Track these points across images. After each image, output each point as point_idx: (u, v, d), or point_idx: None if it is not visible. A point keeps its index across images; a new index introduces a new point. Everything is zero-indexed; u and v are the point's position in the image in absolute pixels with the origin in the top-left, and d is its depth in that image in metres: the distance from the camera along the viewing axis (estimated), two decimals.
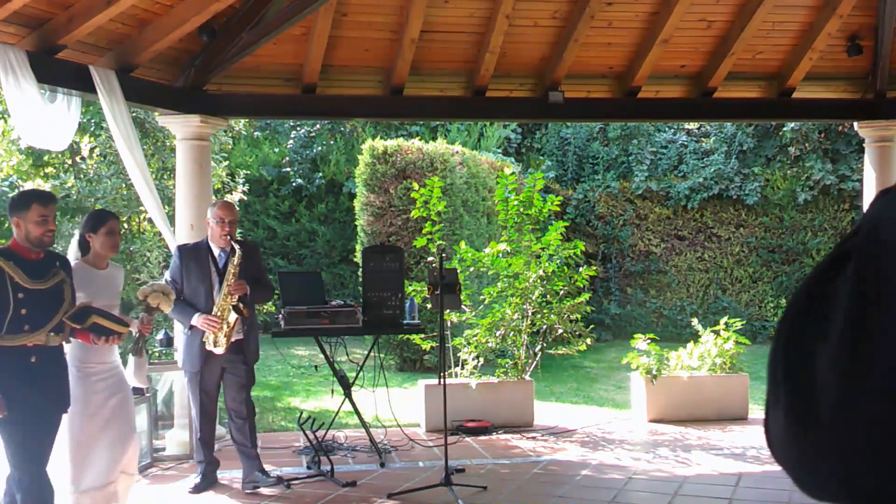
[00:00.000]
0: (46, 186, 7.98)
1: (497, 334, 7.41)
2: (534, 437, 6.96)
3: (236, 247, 5.27)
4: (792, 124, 13.07)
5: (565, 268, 7.54)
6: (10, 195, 5.06)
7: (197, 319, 5.26)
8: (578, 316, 7.55)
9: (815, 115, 9.38)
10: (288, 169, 14.25)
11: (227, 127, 8.12)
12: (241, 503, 5.29)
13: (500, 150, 14.15)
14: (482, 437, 6.91)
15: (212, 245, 5.46)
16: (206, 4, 5.77)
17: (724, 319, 7.66)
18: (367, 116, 9.98)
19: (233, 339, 5.32)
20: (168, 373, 6.54)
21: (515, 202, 7.50)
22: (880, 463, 0.73)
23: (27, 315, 3.84)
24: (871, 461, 0.73)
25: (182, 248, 5.58)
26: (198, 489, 5.45)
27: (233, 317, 5.23)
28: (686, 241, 13.47)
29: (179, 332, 6.55)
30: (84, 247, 4.48)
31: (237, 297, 5.24)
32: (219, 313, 5.24)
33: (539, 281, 7.31)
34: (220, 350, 5.27)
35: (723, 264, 13.34)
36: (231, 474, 5.86)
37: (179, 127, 6.76)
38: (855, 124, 8.15)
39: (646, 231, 13.54)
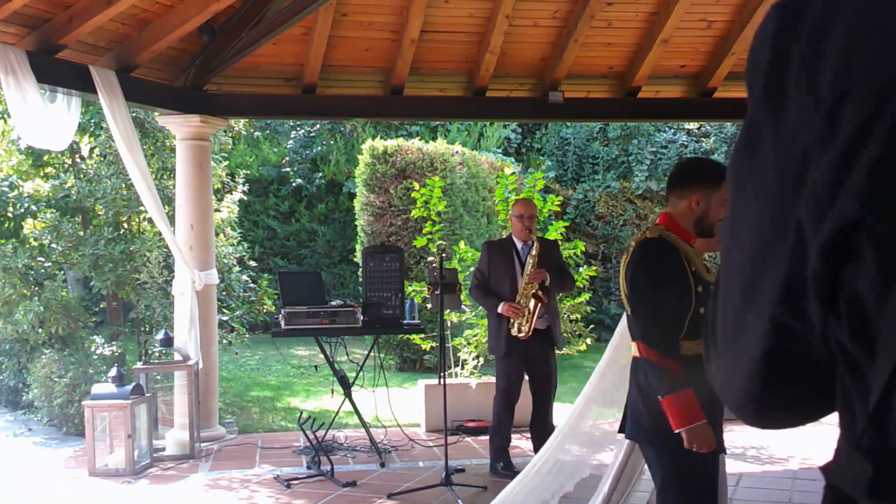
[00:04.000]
0: (46, 186, 7.98)
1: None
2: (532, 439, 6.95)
3: (534, 239, 5.65)
4: None
5: None
6: (690, 162, 4.16)
7: (502, 307, 5.63)
8: (578, 316, 7.55)
9: None
10: (288, 169, 14.25)
11: (227, 127, 8.11)
12: (241, 503, 5.29)
13: (500, 150, 14.14)
14: (482, 437, 6.90)
15: (515, 240, 5.80)
16: (206, 4, 5.77)
17: None
18: (367, 116, 9.97)
19: (537, 327, 5.61)
20: (168, 373, 6.55)
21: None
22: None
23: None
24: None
25: (489, 243, 6.06)
26: (494, 469, 5.80)
27: (532, 303, 5.55)
28: None
29: (179, 332, 6.56)
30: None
31: (536, 284, 5.53)
32: (521, 301, 5.59)
33: None
34: (522, 335, 5.60)
35: None
36: (231, 474, 5.86)
37: (179, 127, 6.75)
38: None
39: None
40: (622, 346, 4.14)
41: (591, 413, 4.55)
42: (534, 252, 5.62)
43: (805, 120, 0.65)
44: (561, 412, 8.11)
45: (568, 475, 4.74)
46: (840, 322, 0.68)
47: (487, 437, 6.92)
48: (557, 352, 6.17)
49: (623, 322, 3.96)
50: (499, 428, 5.88)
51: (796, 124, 0.65)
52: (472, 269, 7.58)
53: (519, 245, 5.80)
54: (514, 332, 5.63)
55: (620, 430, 3.40)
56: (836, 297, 0.68)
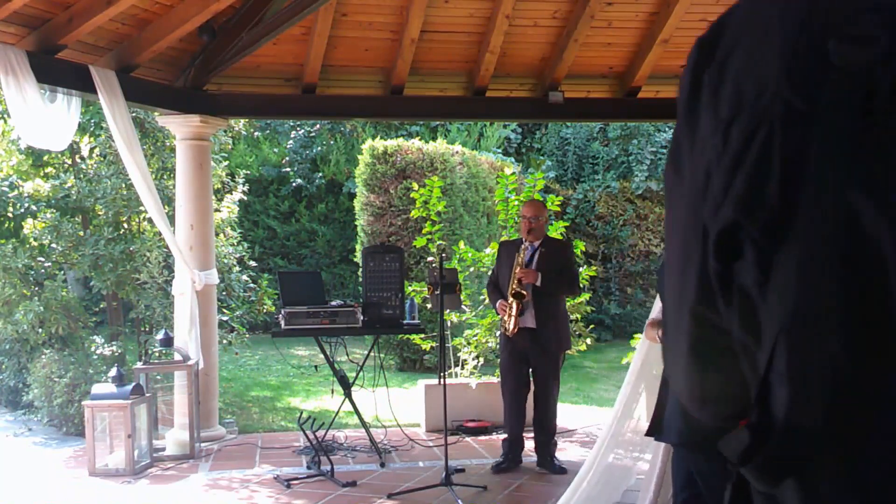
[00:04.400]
0: (46, 186, 7.98)
1: (497, 334, 7.40)
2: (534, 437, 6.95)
3: (530, 240, 5.74)
4: None
5: None
6: None
7: (496, 304, 5.87)
8: (578, 316, 7.54)
9: None
10: (288, 169, 14.25)
11: (227, 127, 8.11)
12: (241, 503, 5.28)
13: (500, 150, 14.14)
14: (482, 437, 6.90)
15: (525, 240, 5.88)
16: (206, 4, 5.77)
17: None
18: (367, 116, 9.97)
19: (528, 326, 5.71)
20: (168, 373, 6.55)
21: (515, 202, 7.49)
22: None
23: None
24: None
25: (501, 243, 6.25)
26: (498, 468, 5.87)
27: (515, 302, 5.67)
28: None
29: (179, 332, 6.56)
30: None
31: (518, 282, 5.64)
32: (508, 299, 5.73)
33: None
34: (509, 333, 5.74)
35: None
36: (231, 474, 5.86)
37: (179, 127, 6.75)
38: None
39: (646, 231, 13.54)
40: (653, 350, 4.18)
41: (631, 415, 4.58)
42: (520, 251, 5.73)
43: (708, 138, 0.75)
44: (561, 412, 8.10)
45: (616, 484, 4.78)
46: (733, 313, 0.77)
47: (487, 437, 6.93)
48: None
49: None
50: (504, 422, 6.14)
51: (704, 142, 0.76)
52: (471, 269, 7.60)
53: (527, 245, 5.84)
54: (502, 329, 5.87)
55: (649, 433, 3.45)
56: (732, 291, 0.77)
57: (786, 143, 0.69)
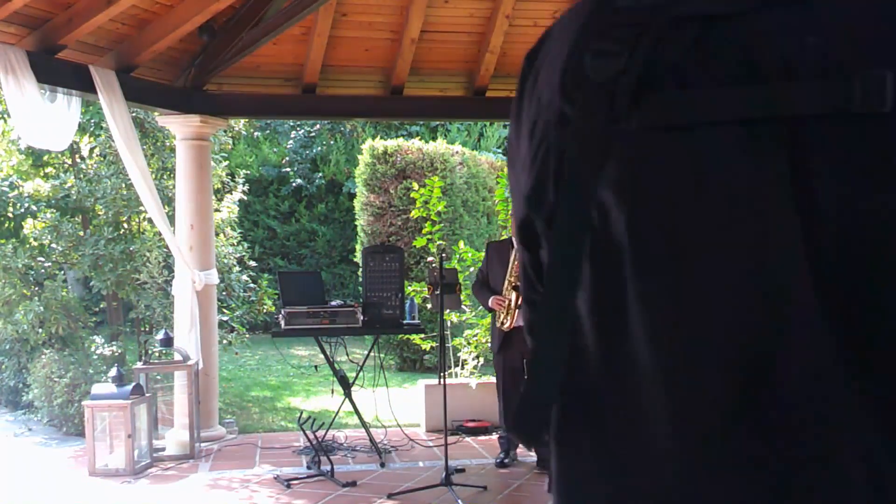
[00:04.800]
0: (46, 186, 7.98)
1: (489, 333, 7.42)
2: None
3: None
4: None
5: None
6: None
7: (490, 301, 5.82)
8: None
9: None
10: (288, 169, 14.25)
11: (227, 127, 8.11)
12: (241, 503, 5.29)
13: (500, 150, 14.14)
14: (482, 437, 6.90)
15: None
16: (206, 4, 5.77)
17: None
18: (367, 116, 9.97)
19: (519, 323, 5.68)
20: (168, 373, 6.55)
21: None
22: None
23: None
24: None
25: (490, 244, 6.28)
26: (500, 462, 5.96)
27: (514, 296, 5.66)
28: None
29: (179, 332, 6.56)
30: None
31: (516, 276, 5.64)
32: (505, 293, 5.74)
33: None
34: (506, 328, 5.74)
35: None
36: (231, 474, 5.87)
37: (179, 127, 6.75)
38: None
39: None
40: None
41: None
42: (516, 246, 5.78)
43: (523, 140, 0.85)
44: None
45: None
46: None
47: (487, 437, 6.93)
48: None
49: None
50: (500, 420, 6.17)
51: (522, 144, 0.85)
52: (471, 269, 7.60)
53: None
54: (499, 324, 5.83)
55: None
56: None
57: (558, 145, 0.79)
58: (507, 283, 5.75)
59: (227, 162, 9.10)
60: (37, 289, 7.84)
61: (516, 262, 5.71)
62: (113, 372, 5.99)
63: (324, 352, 6.31)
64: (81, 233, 7.78)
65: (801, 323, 0.67)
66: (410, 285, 7.26)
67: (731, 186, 0.70)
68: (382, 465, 6.02)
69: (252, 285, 8.66)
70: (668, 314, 0.73)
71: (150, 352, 7.33)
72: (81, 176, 8.01)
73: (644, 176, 0.73)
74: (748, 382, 0.69)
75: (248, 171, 12.29)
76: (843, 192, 0.66)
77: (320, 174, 14.10)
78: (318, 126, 14.50)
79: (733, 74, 0.70)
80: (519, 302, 5.69)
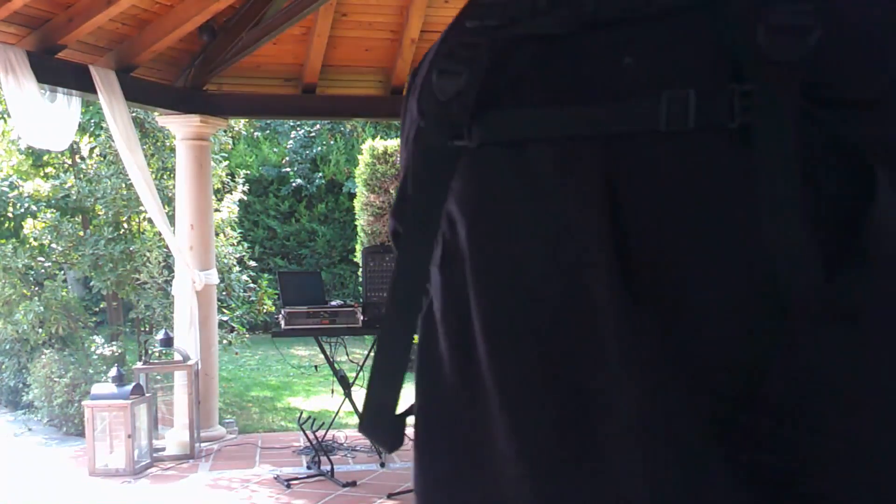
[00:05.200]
0: (46, 186, 7.98)
1: None
2: None
3: None
4: None
5: None
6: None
7: None
8: None
9: None
10: (288, 169, 14.25)
11: (227, 127, 8.11)
12: (241, 503, 5.29)
13: None
14: None
15: None
16: (206, 4, 5.77)
17: None
18: (367, 116, 9.97)
19: None
20: (168, 373, 6.55)
21: None
22: None
23: None
24: None
25: None
26: None
27: None
28: None
29: (179, 332, 6.56)
30: None
31: None
32: None
33: None
34: None
35: None
36: (231, 474, 5.87)
37: (179, 127, 6.75)
38: None
39: None
40: None
41: None
42: None
43: (402, 154, 0.88)
44: None
45: None
46: None
47: None
48: None
49: None
50: None
51: (401, 156, 0.89)
52: None
53: None
54: None
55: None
56: None
57: (414, 159, 0.83)
58: None
59: (227, 162, 9.10)
60: (37, 289, 7.84)
61: None
62: (113, 372, 5.99)
63: (324, 352, 6.31)
64: (81, 233, 7.78)
65: (606, 325, 0.70)
66: None
67: (553, 202, 0.73)
68: (382, 465, 6.02)
69: (252, 285, 8.66)
70: (499, 323, 0.76)
71: (150, 352, 7.33)
72: (81, 176, 8.01)
73: (483, 189, 0.77)
74: (574, 407, 0.71)
75: (248, 171, 12.29)
76: (649, 207, 0.69)
77: (320, 174, 14.10)
78: (318, 126, 14.50)
79: (563, 93, 0.73)
80: None
